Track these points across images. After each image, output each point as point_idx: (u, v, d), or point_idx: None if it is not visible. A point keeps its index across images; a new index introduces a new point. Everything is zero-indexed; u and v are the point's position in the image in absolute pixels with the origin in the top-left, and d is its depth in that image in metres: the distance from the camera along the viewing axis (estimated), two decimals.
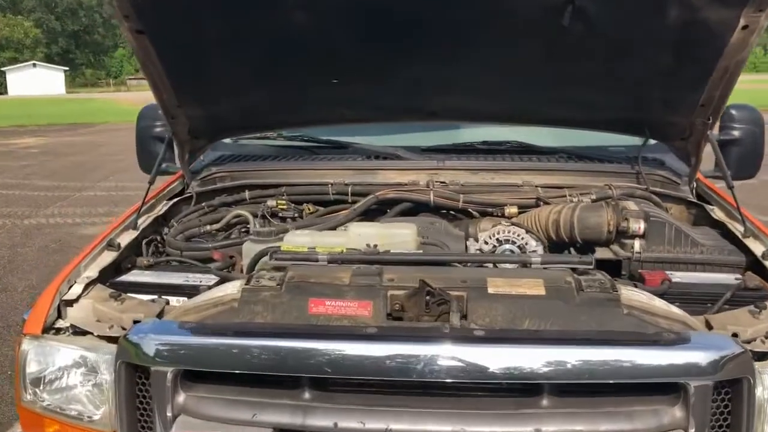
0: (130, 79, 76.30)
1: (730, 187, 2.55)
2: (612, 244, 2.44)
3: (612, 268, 2.32)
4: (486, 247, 2.34)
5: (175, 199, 2.93)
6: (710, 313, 1.98)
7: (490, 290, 1.83)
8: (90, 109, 34.92)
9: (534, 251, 2.33)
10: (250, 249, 2.24)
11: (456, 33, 2.44)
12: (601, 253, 2.40)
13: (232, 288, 1.92)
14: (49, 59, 73.63)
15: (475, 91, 2.74)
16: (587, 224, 2.42)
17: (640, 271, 2.24)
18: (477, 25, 2.40)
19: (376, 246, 2.07)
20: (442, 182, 2.81)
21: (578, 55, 2.49)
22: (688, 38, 2.33)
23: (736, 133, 3.16)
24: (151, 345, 1.71)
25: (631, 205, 2.50)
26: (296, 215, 2.79)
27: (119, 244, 2.37)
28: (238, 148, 3.31)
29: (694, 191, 2.92)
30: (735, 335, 1.83)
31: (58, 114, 31.06)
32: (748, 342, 1.81)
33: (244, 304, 1.83)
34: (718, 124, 2.81)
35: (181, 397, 1.71)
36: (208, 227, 2.68)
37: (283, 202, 2.79)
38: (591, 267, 1.96)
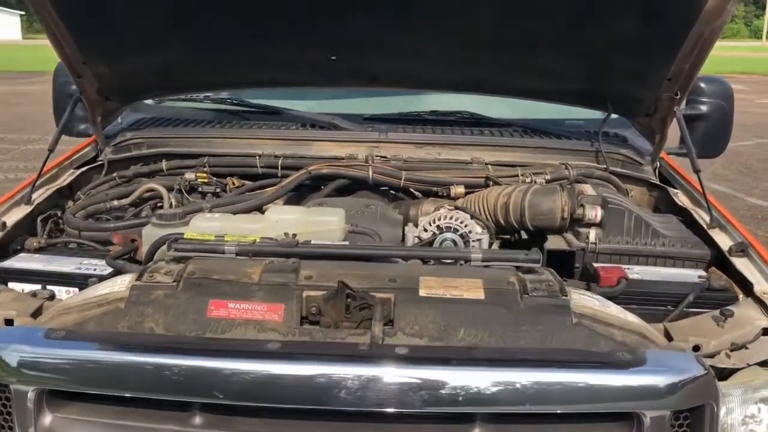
0: None
1: (697, 171, 2.32)
2: (566, 231, 2.20)
3: (565, 257, 2.10)
4: (425, 235, 2.08)
5: (84, 168, 2.60)
6: (670, 320, 1.77)
7: (422, 292, 1.58)
8: (47, 57, 33.30)
9: (478, 240, 2.08)
10: (150, 234, 1.93)
11: None
12: (554, 241, 2.16)
13: (121, 284, 1.63)
14: (3, 2, 70.41)
15: (423, 55, 2.46)
16: (539, 210, 2.17)
17: (595, 265, 2.00)
18: None
19: (295, 235, 1.79)
20: (383, 157, 2.54)
21: (538, 18, 2.23)
22: (659, 2, 2.07)
23: (703, 107, 2.94)
24: (13, 357, 1.42)
25: (587, 189, 2.27)
26: (218, 190, 2.49)
27: (4, 223, 2.05)
28: (160, 110, 2.97)
29: (657, 172, 2.70)
30: (697, 348, 1.62)
31: (12, 61, 29.58)
32: (712, 356, 1.60)
33: (131, 304, 1.55)
34: None
35: (47, 419, 1.43)
36: (115, 202, 2.37)
37: (204, 174, 2.48)
38: (538, 265, 1.71)
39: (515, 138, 2.70)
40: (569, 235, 2.18)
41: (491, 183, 2.41)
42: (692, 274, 1.98)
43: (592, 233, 2.12)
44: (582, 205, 2.14)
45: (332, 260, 1.72)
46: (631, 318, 1.63)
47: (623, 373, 1.39)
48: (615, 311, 1.63)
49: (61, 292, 1.86)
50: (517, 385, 1.36)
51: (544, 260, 2.08)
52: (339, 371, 1.34)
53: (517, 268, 1.71)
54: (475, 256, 1.73)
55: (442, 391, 1.34)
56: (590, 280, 1.98)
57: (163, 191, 2.36)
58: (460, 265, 1.77)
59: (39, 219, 2.25)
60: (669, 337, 1.66)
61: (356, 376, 1.33)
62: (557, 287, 1.61)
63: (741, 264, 1.96)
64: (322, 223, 1.91)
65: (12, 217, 2.12)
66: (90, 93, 2.49)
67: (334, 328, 1.53)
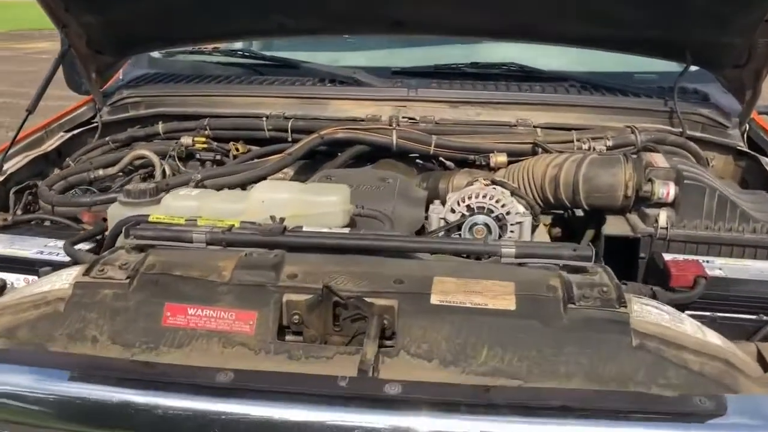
0: None
1: None
2: (630, 212, 1.80)
3: (628, 246, 1.70)
4: (452, 217, 1.71)
5: (75, 131, 2.31)
6: (765, 337, 1.36)
7: (434, 299, 1.21)
8: None
9: (518, 223, 1.69)
10: (115, 215, 1.62)
11: None
12: (615, 225, 1.77)
13: (66, 279, 1.32)
14: None
15: None
16: (597, 185, 1.78)
17: (665, 258, 1.59)
18: None
19: (282, 220, 1.44)
20: (410, 118, 2.16)
21: None
22: None
23: None
24: None
25: (658, 159, 1.85)
26: (219, 157, 2.16)
27: None
28: (165, 65, 2.64)
29: (745, 136, 2.23)
30: None
31: None
32: None
33: (73, 306, 1.24)
34: None
35: None
36: (101, 171, 2.06)
37: (203, 139, 2.15)
38: (590, 264, 1.32)
39: (571, 95, 2.29)
40: (634, 217, 1.79)
41: (540, 150, 2.02)
42: None
43: (663, 215, 1.72)
44: (651, 180, 1.75)
45: (326, 253, 1.37)
46: (712, 337, 1.23)
47: (701, 428, 1.01)
48: (690, 329, 1.23)
49: (19, 280, 1.58)
50: None
51: (602, 247, 1.71)
52: (308, 417, 1.00)
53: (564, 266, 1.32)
54: (507, 251, 1.34)
55: None
56: (658, 276, 1.58)
57: (154, 158, 2.04)
58: (487, 258, 1.40)
59: (12, 191, 1.97)
60: (764, 363, 1.25)
61: (328, 425, 0.99)
62: (614, 294, 1.22)
63: None
64: (319, 203, 1.55)
65: None
66: (79, 46, 2.21)
67: (321, 343, 1.20)
